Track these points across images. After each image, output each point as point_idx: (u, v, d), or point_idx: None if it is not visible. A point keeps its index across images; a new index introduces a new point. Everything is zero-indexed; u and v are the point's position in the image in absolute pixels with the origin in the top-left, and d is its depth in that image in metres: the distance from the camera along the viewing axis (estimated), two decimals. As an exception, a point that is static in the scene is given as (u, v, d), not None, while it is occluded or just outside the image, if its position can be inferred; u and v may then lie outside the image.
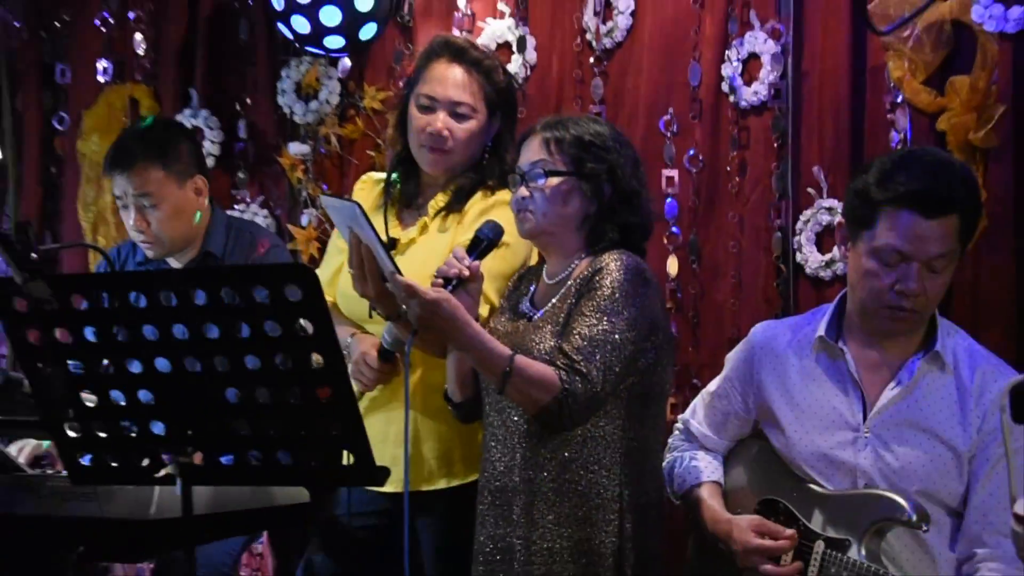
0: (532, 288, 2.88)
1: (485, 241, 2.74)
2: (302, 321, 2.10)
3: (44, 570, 2.99)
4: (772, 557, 2.64)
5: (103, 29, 4.23)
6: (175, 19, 4.16)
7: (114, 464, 2.36)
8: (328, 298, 3.01)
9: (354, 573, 3.19)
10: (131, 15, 4.19)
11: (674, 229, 3.50)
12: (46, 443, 3.12)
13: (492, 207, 3.00)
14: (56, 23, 4.32)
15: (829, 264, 3.29)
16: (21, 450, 3.03)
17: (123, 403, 2.27)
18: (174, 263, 3.59)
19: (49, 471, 2.77)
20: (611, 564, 2.67)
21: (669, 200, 3.49)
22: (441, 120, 3.02)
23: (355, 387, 2.95)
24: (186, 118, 4.08)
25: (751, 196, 3.44)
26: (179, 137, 3.62)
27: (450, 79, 3.06)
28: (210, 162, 4.02)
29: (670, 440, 2.97)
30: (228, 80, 4.14)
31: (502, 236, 2.77)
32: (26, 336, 2.27)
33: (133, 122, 4.03)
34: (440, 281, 2.62)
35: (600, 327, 2.62)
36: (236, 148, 4.10)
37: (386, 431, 2.93)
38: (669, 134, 3.51)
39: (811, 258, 3.34)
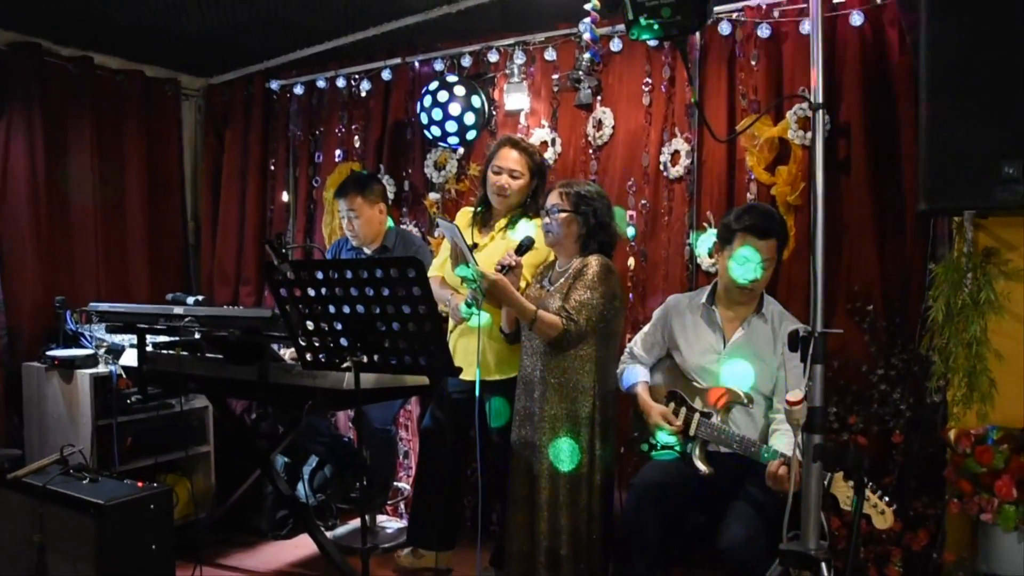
0: (549, 274, 2.92)
1: (525, 246, 2.80)
2: (415, 288, 2.16)
3: (296, 411, 3.08)
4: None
5: (338, 134, 4.34)
6: (374, 128, 4.22)
7: (322, 359, 2.41)
8: (439, 274, 3.15)
9: (452, 423, 3.19)
10: (353, 126, 4.29)
11: (632, 243, 3.51)
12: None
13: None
14: (316, 132, 4.44)
15: (713, 264, 3.27)
16: (285, 352, 3.12)
17: (326, 329, 2.33)
18: (368, 251, 3.61)
19: (296, 362, 2.78)
20: (587, 424, 2.72)
21: (630, 227, 3.50)
22: (504, 179, 3.08)
23: (451, 323, 3.09)
24: (378, 179, 4.10)
25: (674, 226, 3.43)
26: (373, 181, 3.68)
27: (510, 157, 3.09)
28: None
29: (622, 357, 2.96)
30: (400, 159, 4.18)
31: (534, 243, 2.84)
32: (281, 293, 2.35)
33: (352, 172, 4.08)
34: (500, 267, 2.69)
35: (585, 296, 2.69)
36: (403, 195, 4.15)
37: (469, 347, 2.96)
38: (631, 192, 3.52)
39: (704, 261, 3.33)
